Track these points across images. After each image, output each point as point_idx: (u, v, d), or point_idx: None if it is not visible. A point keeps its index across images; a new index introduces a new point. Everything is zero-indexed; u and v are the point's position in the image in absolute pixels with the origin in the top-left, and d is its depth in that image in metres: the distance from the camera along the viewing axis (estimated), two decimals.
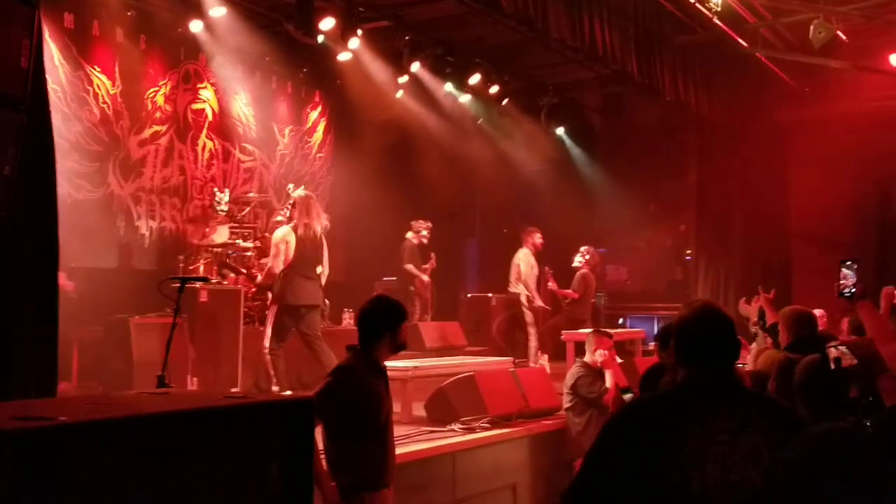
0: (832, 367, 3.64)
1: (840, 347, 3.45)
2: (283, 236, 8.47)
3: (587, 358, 8.15)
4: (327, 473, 4.48)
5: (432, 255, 12.62)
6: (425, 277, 12.63)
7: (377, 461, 4.65)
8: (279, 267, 8.40)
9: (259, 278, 9.10)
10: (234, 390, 8.70)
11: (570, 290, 12.18)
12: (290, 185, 10.98)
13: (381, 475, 4.66)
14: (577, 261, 12.47)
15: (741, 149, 13.99)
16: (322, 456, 4.56)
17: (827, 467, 2.66)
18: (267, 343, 8.36)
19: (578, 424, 7.92)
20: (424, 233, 12.60)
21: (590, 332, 8.65)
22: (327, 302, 10.16)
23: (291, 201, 8.98)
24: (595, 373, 8.00)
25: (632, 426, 2.86)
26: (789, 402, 3.27)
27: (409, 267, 12.61)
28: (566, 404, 8.11)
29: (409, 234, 12.68)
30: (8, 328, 4.13)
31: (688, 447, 2.72)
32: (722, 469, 2.71)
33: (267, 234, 11.29)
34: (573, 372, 8.12)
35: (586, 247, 12.62)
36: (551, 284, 12.35)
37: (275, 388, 8.23)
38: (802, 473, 2.65)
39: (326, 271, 8.85)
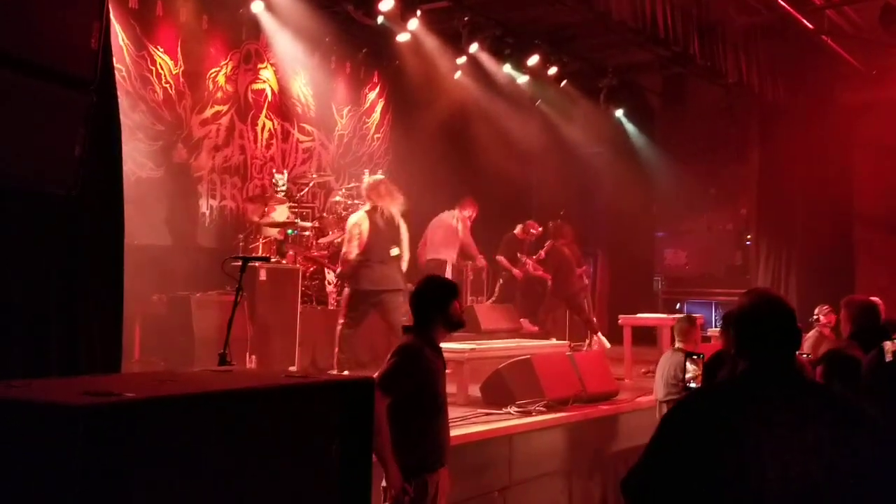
0: (889, 359, 3.61)
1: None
2: (357, 221, 8.51)
3: (680, 345, 7.59)
4: (392, 454, 4.52)
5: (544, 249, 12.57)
6: (517, 271, 12.74)
7: (439, 440, 4.74)
8: (354, 252, 8.43)
9: (338, 270, 9.08)
10: (291, 368, 8.82)
11: (541, 272, 12.16)
12: (366, 172, 11.00)
13: (441, 454, 4.74)
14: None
15: (805, 132, 13.74)
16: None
17: None
18: (339, 326, 8.45)
19: None
20: (533, 231, 12.89)
21: (685, 317, 8.27)
22: (409, 286, 10.18)
23: (366, 185, 9.01)
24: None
25: (691, 419, 2.83)
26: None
27: (500, 258, 12.74)
28: (665, 396, 7.47)
29: (517, 229, 12.96)
30: (76, 306, 4.22)
31: (747, 441, 2.68)
32: (782, 463, 2.66)
33: (325, 215, 11.38)
34: (679, 361, 6.75)
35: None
36: (529, 267, 12.47)
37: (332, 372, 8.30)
38: None
39: (407, 255, 8.81)
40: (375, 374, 4.90)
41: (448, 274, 10.97)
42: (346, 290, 8.60)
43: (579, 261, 12.76)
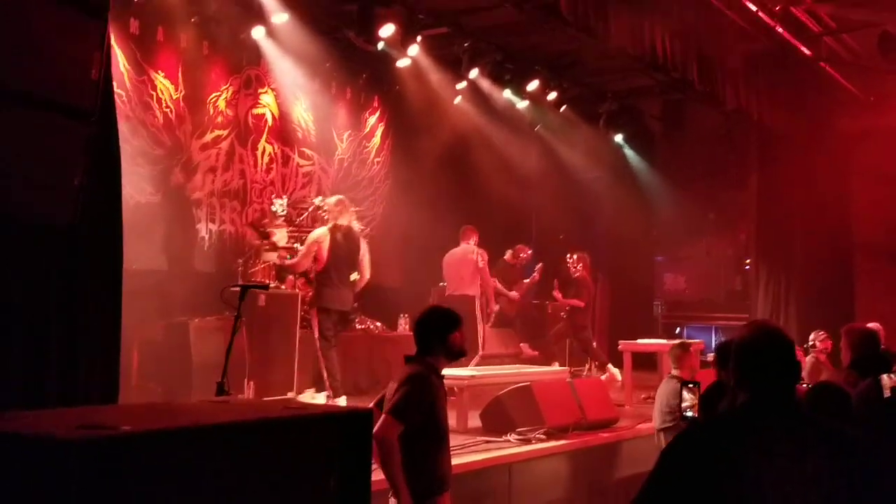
0: (887, 394, 3.60)
1: (893, 376, 3.41)
2: (318, 238, 8.62)
3: (676, 372, 7.58)
4: (404, 481, 4.57)
5: (536, 270, 12.49)
6: (513, 294, 12.74)
7: (444, 465, 4.83)
8: (304, 266, 8.63)
9: (287, 260, 9.19)
10: (290, 394, 8.79)
11: (575, 301, 12.10)
12: (319, 199, 11.01)
13: (446, 479, 4.82)
14: (573, 266, 12.47)
15: (803, 158, 13.77)
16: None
17: None
18: (319, 345, 8.52)
19: None
20: (523, 255, 12.83)
21: (679, 344, 8.18)
22: (355, 305, 10.30)
23: (325, 206, 9.15)
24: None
25: (692, 451, 2.82)
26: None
27: (496, 284, 12.78)
28: (662, 425, 7.43)
29: (507, 254, 13.00)
30: (73, 334, 4.21)
31: (748, 472, 2.68)
32: (782, 495, 2.66)
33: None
34: (675, 389, 7.03)
35: (575, 254, 12.54)
36: (556, 293, 12.39)
37: (327, 393, 8.27)
38: None
39: (367, 275, 9.07)
40: (372, 402, 4.92)
41: (477, 309, 11.12)
42: (315, 312, 8.63)
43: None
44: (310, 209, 11.73)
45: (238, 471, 2.53)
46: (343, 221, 8.73)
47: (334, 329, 8.68)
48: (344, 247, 8.72)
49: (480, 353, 11.05)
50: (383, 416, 4.58)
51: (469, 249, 11.41)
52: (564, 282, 12.58)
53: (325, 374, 8.43)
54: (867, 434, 3.94)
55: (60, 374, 4.19)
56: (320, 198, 10.94)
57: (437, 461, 4.78)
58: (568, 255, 12.57)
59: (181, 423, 2.59)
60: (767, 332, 2.97)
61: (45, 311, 4.13)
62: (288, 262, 8.96)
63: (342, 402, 8.29)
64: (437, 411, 4.76)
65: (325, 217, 9.17)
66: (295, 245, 10.45)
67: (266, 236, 10.03)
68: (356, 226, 9.02)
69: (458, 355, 4.98)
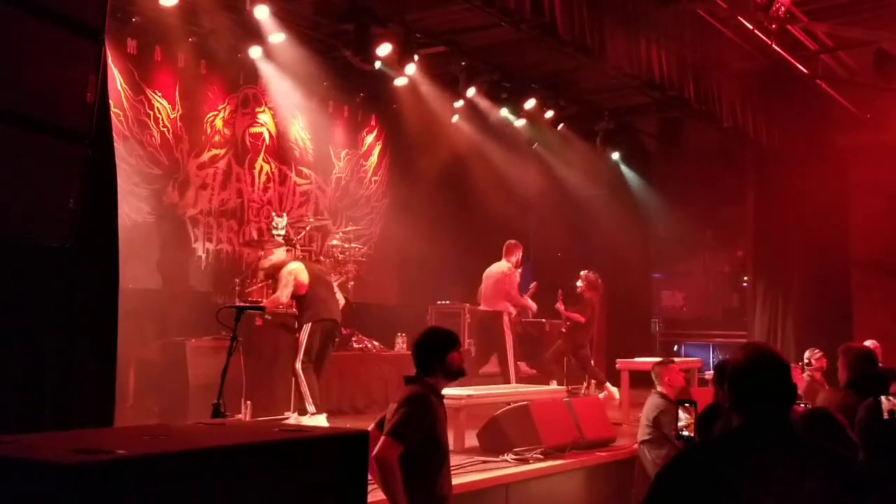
0: (886, 416, 3.59)
1: (892, 398, 3.41)
2: (293, 269, 8.64)
3: (659, 388, 7.78)
4: (406, 502, 4.56)
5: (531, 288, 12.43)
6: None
7: (445, 485, 4.83)
8: (286, 298, 8.55)
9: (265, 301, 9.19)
10: (287, 413, 8.77)
11: (577, 314, 12.05)
12: (275, 216, 11.04)
13: (447, 499, 4.82)
14: (579, 285, 12.40)
15: (800, 175, 13.81)
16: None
17: None
18: (299, 364, 8.41)
19: (655, 458, 7.40)
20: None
21: (658, 362, 8.33)
22: (344, 332, 10.55)
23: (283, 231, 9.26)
24: (676, 405, 7.72)
25: (687, 474, 2.81)
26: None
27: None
28: (643, 437, 7.62)
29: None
30: (69, 355, 4.20)
31: (744, 495, 2.66)
32: None
33: (323, 259, 11.38)
34: (655, 404, 7.62)
35: (585, 271, 12.49)
36: (559, 305, 12.33)
37: (310, 409, 8.23)
38: None
39: (341, 301, 9.28)
40: (373, 424, 4.91)
41: (505, 325, 11.11)
42: (306, 328, 8.57)
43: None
44: (307, 228, 11.73)
45: (234, 495, 2.52)
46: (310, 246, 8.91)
47: (320, 346, 8.62)
48: (319, 268, 8.91)
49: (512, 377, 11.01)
50: (383, 437, 4.58)
51: (502, 266, 11.34)
52: (569, 296, 12.55)
53: (304, 390, 8.36)
54: (867, 457, 3.93)
55: (56, 394, 4.18)
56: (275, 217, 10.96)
57: (438, 481, 4.77)
58: (582, 272, 12.55)
59: (177, 447, 2.58)
60: (762, 354, 2.96)
61: (40, 332, 4.12)
62: (269, 300, 8.92)
63: (322, 420, 8.26)
64: (437, 432, 4.76)
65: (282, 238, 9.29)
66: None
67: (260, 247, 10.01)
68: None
69: (457, 375, 4.96)
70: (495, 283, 11.26)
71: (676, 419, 7.46)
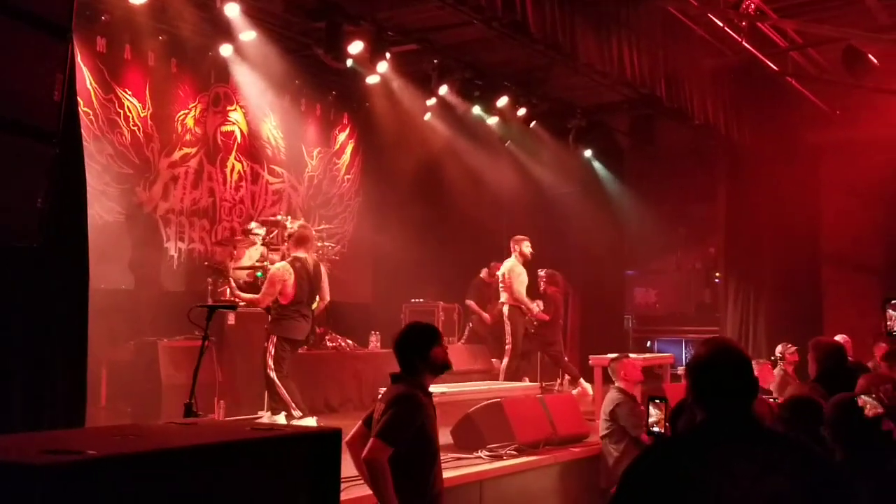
0: (869, 415, 3.63)
1: (866, 398, 3.44)
2: (281, 275, 8.38)
3: (618, 383, 8.01)
4: (397, 502, 4.50)
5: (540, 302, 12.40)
6: (486, 316, 12.81)
7: (436, 483, 4.78)
8: (267, 303, 8.42)
9: (245, 296, 9.04)
10: (260, 412, 8.73)
11: (540, 314, 12.07)
12: (280, 216, 11.00)
13: (439, 496, 4.79)
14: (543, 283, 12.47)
15: (771, 172, 13.89)
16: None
17: None
18: (273, 374, 8.28)
19: (615, 451, 7.73)
20: (498, 273, 12.79)
21: (614, 357, 8.54)
22: (318, 330, 10.58)
23: (288, 233, 9.05)
24: (633, 399, 7.92)
25: (653, 470, 2.81)
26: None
27: (470, 303, 12.87)
28: (603, 431, 7.91)
29: (483, 273, 13.10)
30: (39, 358, 4.17)
31: (709, 491, 2.66)
32: None
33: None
34: (612, 398, 7.92)
35: (545, 269, 12.52)
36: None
37: (296, 413, 8.20)
38: None
39: (326, 299, 8.98)
40: (360, 420, 4.87)
41: (507, 321, 11.35)
42: (274, 339, 8.42)
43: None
44: (279, 227, 11.66)
45: (207, 493, 2.52)
46: (301, 254, 8.56)
47: (290, 357, 8.54)
48: (307, 279, 8.53)
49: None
50: (372, 439, 4.51)
51: (507, 262, 11.49)
52: (535, 296, 12.58)
53: (285, 397, 8.26)
54: (843, 455, 3.95)
55: (27, 396, 4.15)
56: (287, 218, 10.89)
57: (430, 479, 4.73)
58: (539, 270, 12.56)
59: (148, 446, 2.58)
60: (722, 349, 2.96)
61: (9, 333, 4.09)
62: (250, 297, 8.79)
63: (311, 422, 8.21)
64: (427, 430, 4.70)
65: (285, 244, 9.11)
66: (265, 263, 10.38)
67: (224, 273, 9.81)
68: (313, 255, 8.88)
69: (442, 369, 4.89)
70: (503, 280, 11.45)
71: (633, 412, 7.64)
